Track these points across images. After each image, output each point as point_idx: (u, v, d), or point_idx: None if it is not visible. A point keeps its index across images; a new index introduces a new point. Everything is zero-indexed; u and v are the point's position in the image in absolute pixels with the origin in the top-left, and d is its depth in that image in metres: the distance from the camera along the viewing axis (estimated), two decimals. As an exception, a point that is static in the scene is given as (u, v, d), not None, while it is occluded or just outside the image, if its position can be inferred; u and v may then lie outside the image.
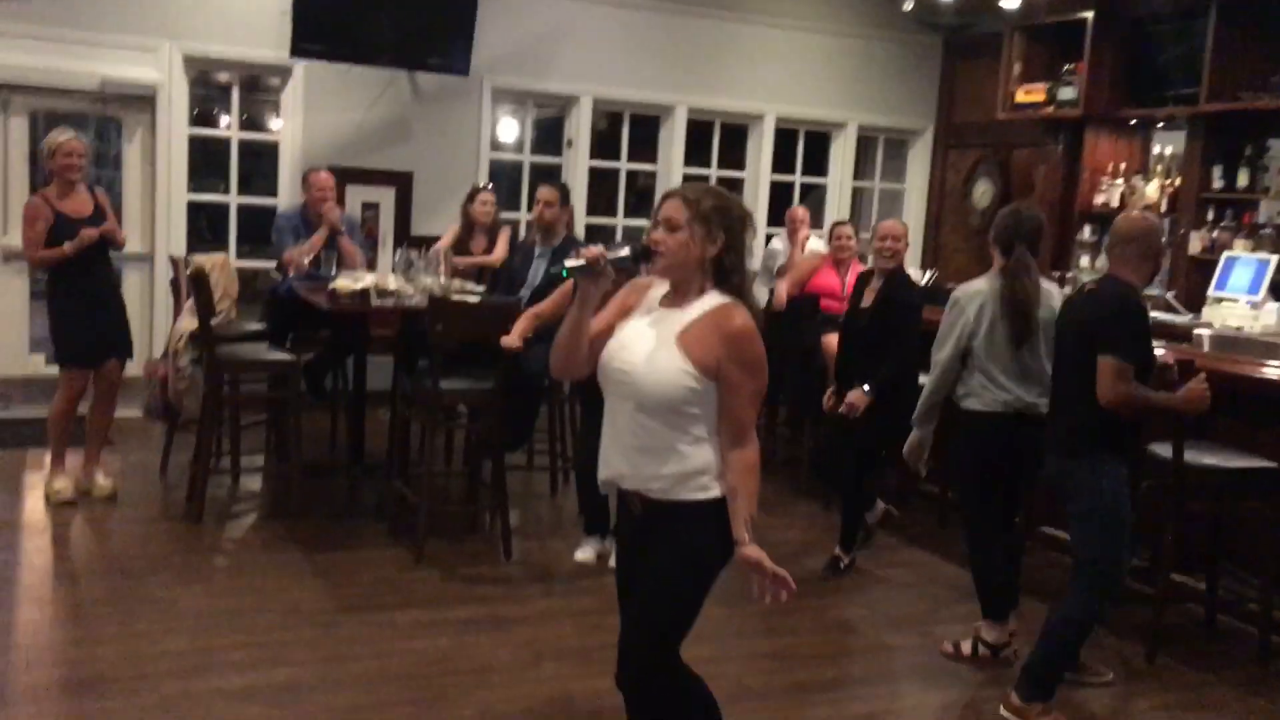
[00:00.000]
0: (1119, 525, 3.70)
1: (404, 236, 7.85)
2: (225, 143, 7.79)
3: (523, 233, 7.83)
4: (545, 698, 3.77)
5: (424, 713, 3.61)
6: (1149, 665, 4.26)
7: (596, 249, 2.73)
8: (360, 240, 6.75)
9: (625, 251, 2.77)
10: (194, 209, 7.76)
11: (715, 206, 2.73)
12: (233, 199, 7.76)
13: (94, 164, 8.87)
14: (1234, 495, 4.38)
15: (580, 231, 7.97)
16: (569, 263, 2.78)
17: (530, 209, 8.33)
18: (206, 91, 9.19)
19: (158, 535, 5.14)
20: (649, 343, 2.74)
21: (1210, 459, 4.33)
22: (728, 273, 2.75)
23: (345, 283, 5.47)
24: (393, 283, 5.39)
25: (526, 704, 3.72)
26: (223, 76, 7.95)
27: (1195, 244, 7.09)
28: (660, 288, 2.83)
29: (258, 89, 9.03)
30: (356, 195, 7.78)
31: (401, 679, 3.83)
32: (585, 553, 5.11)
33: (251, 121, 9.81)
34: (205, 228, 9.30)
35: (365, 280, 5.55)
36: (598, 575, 4.96)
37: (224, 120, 9.99)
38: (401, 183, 7.96)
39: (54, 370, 7.12)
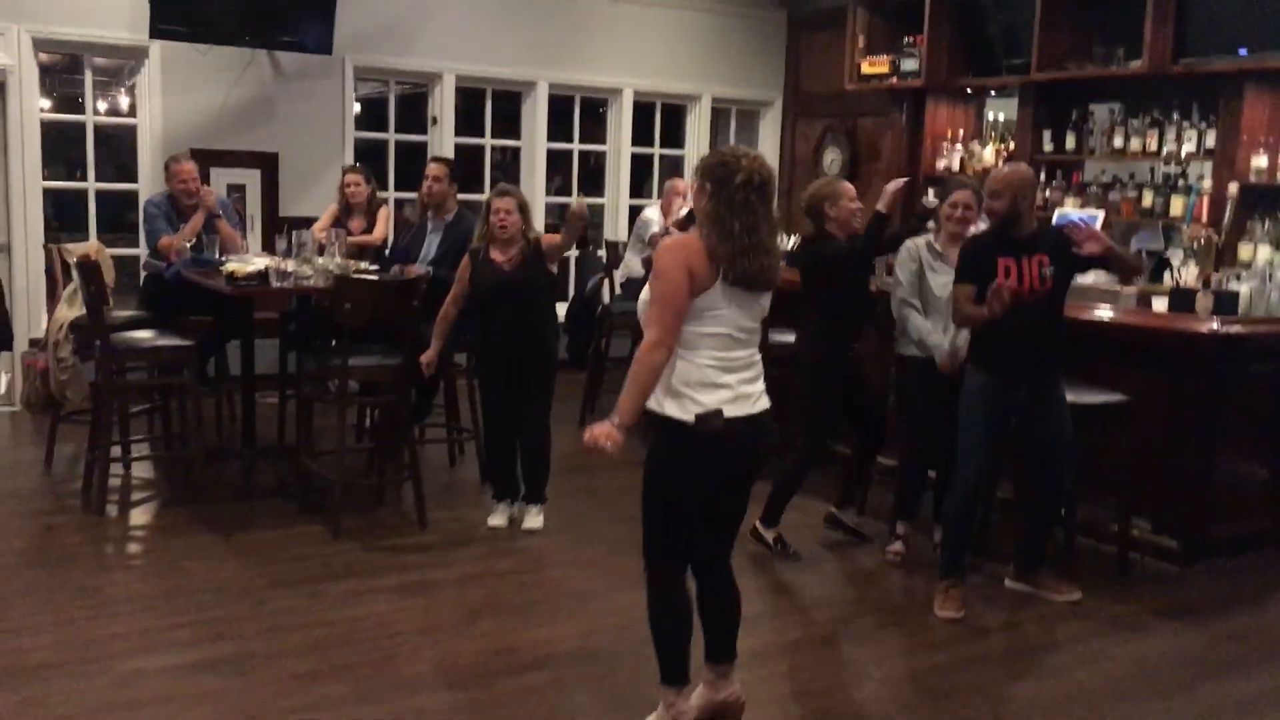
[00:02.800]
0: (963, 426, 4.43)
1: (272, 217, 7.81)
2: (78, 128, 7.55)
3: (402, 211, 7.84)
4: (492, 650, 3.96)
5: (379, 672, 3.75)
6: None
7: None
8: (235, 222, 6.70)
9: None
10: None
11: (702, 164, 3.24)
12: (91, 185, 7.54)
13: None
14: (1090, 428, 4.86)
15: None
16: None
17: (397, 187, 8.47)
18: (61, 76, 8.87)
19: (63, 527, 5.07)
20: None
21: (1068, 396, 4.80)
22: (697, 216, 3.22)
23: (238, 266, 5.47)
24: (290, 264, 5.41)
25: (475, 658, 3.90)
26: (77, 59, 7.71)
27: (1030, 203, 7.68)
28: None
29: (111, 72, 8.74)
30: (221, 177, 7.66)
31: (349, 643, 3.96)
32: (498, 518, 5.29)
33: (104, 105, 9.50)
34: (52, 215, 8.98)
35: (258, 263, 5.57)
36: (512, 538, 5.17)
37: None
38: (267, 163, 7.88)
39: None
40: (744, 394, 3.18)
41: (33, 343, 7.01)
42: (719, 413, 3.12)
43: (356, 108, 9.15)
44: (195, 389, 5.47)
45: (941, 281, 4.83)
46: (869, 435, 5.29)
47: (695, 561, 3.35)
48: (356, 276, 5.30)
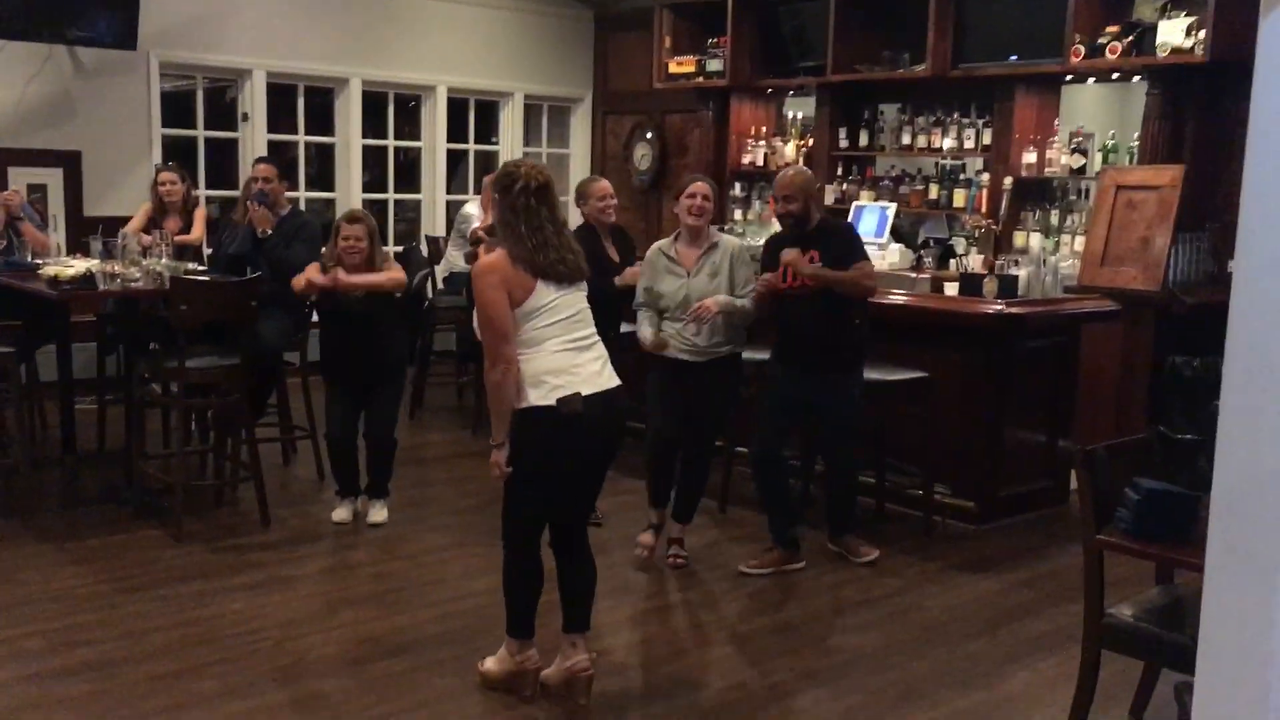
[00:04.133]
0: (759, 408, 4.97)
1: (76, 217, 7.56)
2: None
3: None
4: (354, 639, 4.08)
5: (245, 667, 3.82)
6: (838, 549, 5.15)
7: None
8: (38, 223, 6.50)
9: None
10: None
11: (491, 179, 3.61)
12: (-126, 186, 7.12)
13: None
14: (895, 403, 5.34)
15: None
16: None
17: (209, 185, 8.32)
18: None
19: (-123, 546, 4.86)
20: None
21: (873, 374, 5.24)
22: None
23: (58, 269, 5.34)
24: (116, 266, 5.32)
25: (339, 647, 4.02)
26: None
27: (829, 196, 8.22)
28: None
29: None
30: (20, 177, 7.35)
31: (209, 642, 4.00)
32: (342, 513, 5.37)
33: None
34: None
35: (78, 265, 5.45)
36: (358, 532, 5.27)
37: None
38: (69, 162, 7.62)
39: None
40: (595, 372, 3.50)
41: None
42: (578, 395, 3.41)
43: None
44: (16, 396, 5.32)
45: (674, 286, 4.79)
46: None
47: (555, 535, 3.62)
48: (191, 278, 5.27)
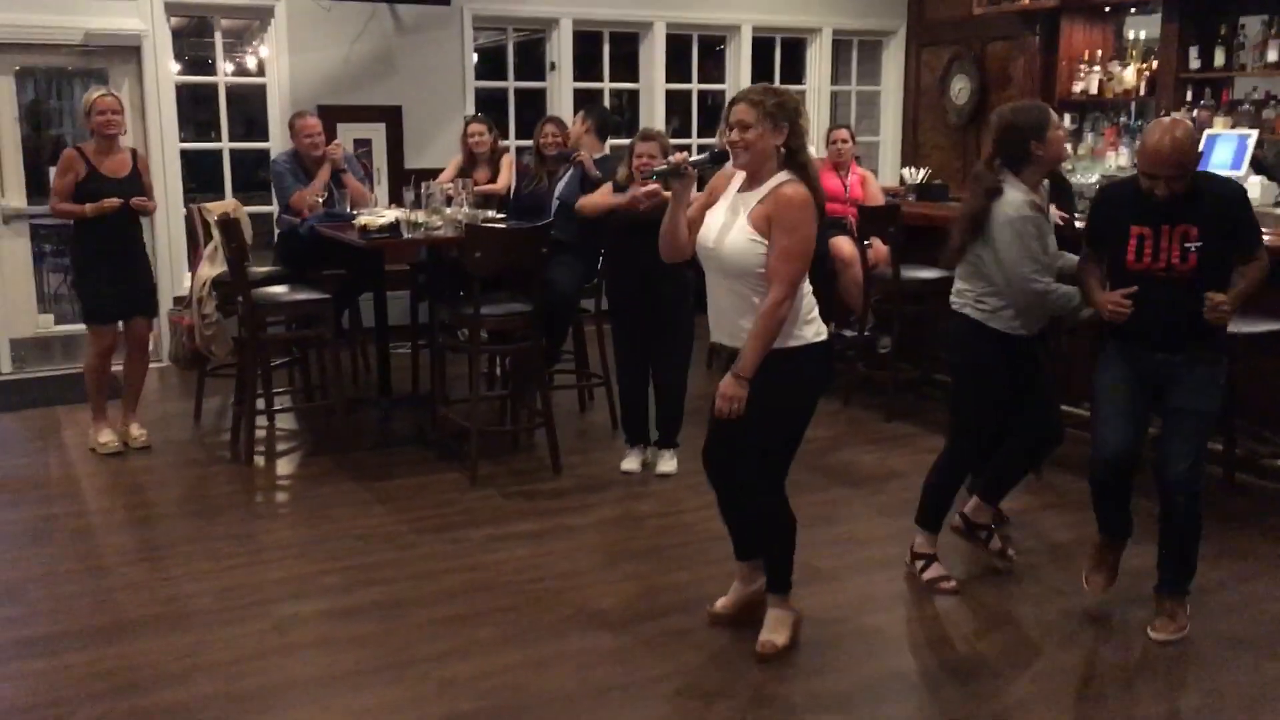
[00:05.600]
0: (1097, 397, 3.79)
1: (398, 170, 7.90)
2: (209, 89, 7.74)
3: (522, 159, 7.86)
4: (632, 594, 3.98)
5: (524, 616, 3.80)
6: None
7: (680, 155, 3.35)
8: (361, 176, 6.80)
9: (704, 155, 3.44)
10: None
11: (777, 103, 3.25)
12: (225, 145, 7.73)
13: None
14: (1249, 358, 4.61)
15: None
16: (658, 167, 3.49)
17: (518, 135, 8.48)
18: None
19: (214, 477, 5.26)
20: (728, 222, 3.31)
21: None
22: (793, 153, 3.28)
23: (369, 219, 5.54)
24: (420, 215, 5.46)
25: (616, 600, 3.92)
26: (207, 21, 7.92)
27: (1176, 125, 7.31)
28: (740, 177, 3.36)
29: (238, 33, 8.97)
30: (347, 132, 7.73)
31: (493, 588, 4.02)
32: (631, 463, 5.30)
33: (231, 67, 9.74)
34: (186, 177, 9.26)
35: (389, 215, 5.63)
36: (646, 483, 5.17)
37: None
38: (391, 117, 7.97)
39: (65, 329, 7.23)
40: None
41: (176, 300, 7.26)
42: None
43: (474, 58, 9.20)
44: (336, 340, 5.58)
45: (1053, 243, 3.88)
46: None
47: (722, 466, 3.60)
48: (485, 225, 5.32)
